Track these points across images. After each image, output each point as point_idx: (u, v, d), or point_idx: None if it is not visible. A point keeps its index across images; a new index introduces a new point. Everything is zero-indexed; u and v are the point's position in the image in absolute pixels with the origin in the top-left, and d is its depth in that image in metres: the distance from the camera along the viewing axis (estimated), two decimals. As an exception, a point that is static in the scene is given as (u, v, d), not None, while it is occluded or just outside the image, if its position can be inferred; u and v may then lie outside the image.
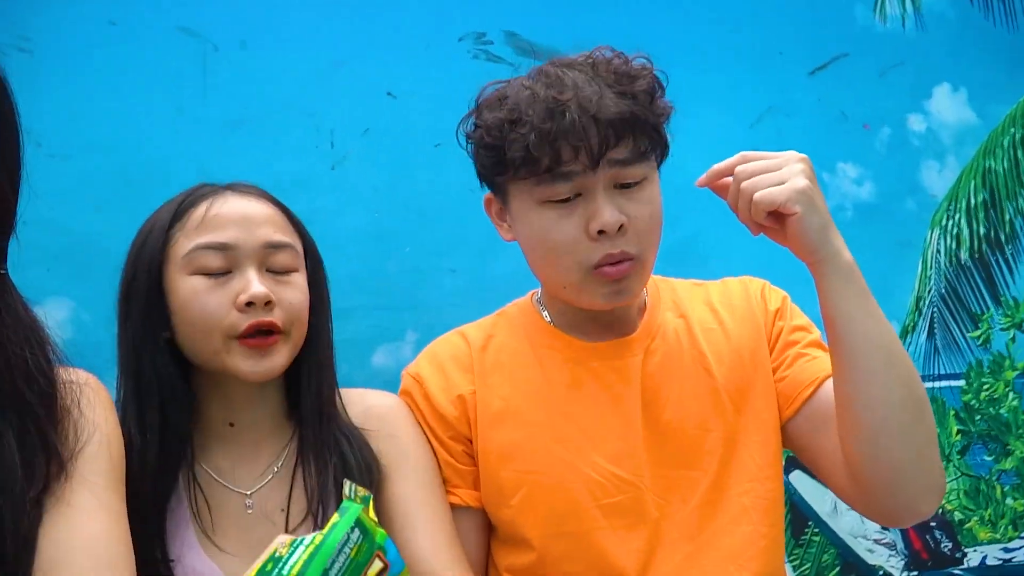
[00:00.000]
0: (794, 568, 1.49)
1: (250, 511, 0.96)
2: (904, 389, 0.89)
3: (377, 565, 0.72)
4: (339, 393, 1.05)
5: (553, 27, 1.50)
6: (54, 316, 1.11)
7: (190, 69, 1.36)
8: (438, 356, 1.08)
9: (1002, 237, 1.69)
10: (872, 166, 1.64)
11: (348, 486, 0.75)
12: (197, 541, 0.94)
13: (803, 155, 0.94)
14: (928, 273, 1.64)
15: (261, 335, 0.94)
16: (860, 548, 1.52)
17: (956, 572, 1.56)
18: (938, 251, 1.66)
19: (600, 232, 0.96)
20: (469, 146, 1.06)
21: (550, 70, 0.98)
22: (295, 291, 0.98)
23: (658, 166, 1.03)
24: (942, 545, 1.55)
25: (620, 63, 0.99)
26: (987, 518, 1.58)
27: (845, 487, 0.96)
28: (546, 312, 1.09)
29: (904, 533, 1.54)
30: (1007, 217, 1.70)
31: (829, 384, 0.99)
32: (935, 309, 1.63)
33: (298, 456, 0.99)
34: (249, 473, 0.99)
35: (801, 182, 0.91)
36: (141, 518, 0.89)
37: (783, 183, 0.91)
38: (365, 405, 1.04)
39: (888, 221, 1.63)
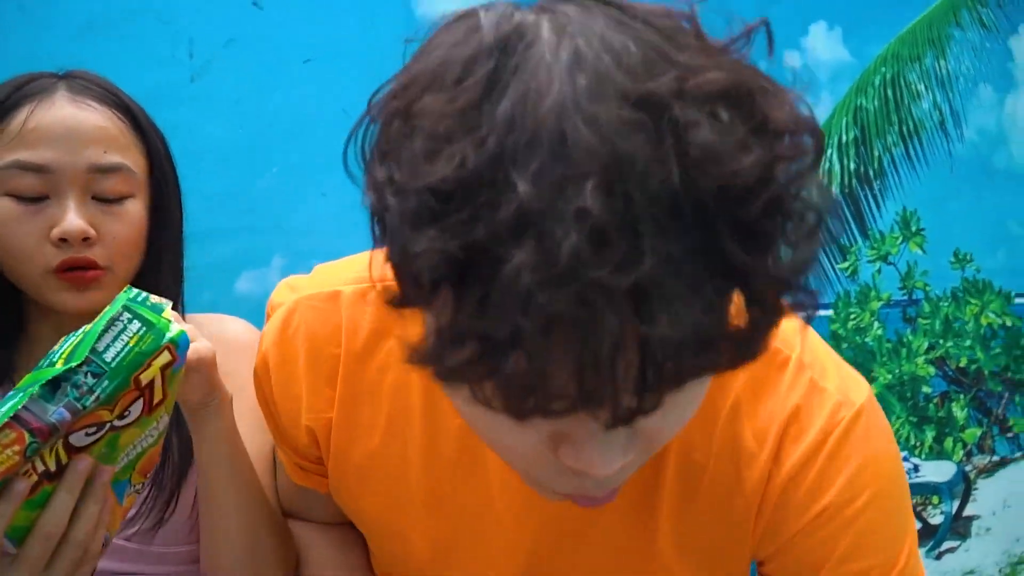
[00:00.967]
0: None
1: None
2: None
3: (165, 357, 0.66)
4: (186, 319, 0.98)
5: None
6: None
7: (31, -34, 1.26)
8: (295, 342, 0.71)
9: (871, 173, 1.74)
10: (749, 99, 1.66)
11: (131, 291, 0.69)
12: None
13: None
14: (801, 206, 1.68)
15: (80, 269, 0.86)
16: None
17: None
18: (811, 184, 1.69)
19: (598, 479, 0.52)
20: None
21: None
22: (123, 223, 0.88)
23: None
24: (807, 468, 1.61)
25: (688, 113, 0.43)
26: (850, 442, 1.65)
27: None
28: None
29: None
30: (876, 153, 1.75)
31: None
32: (806, 241, 1.68)
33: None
34: None
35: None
36: None
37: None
38: (218, 329, 0.96)
39: (764, 154, 1.66)
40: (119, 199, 0.88)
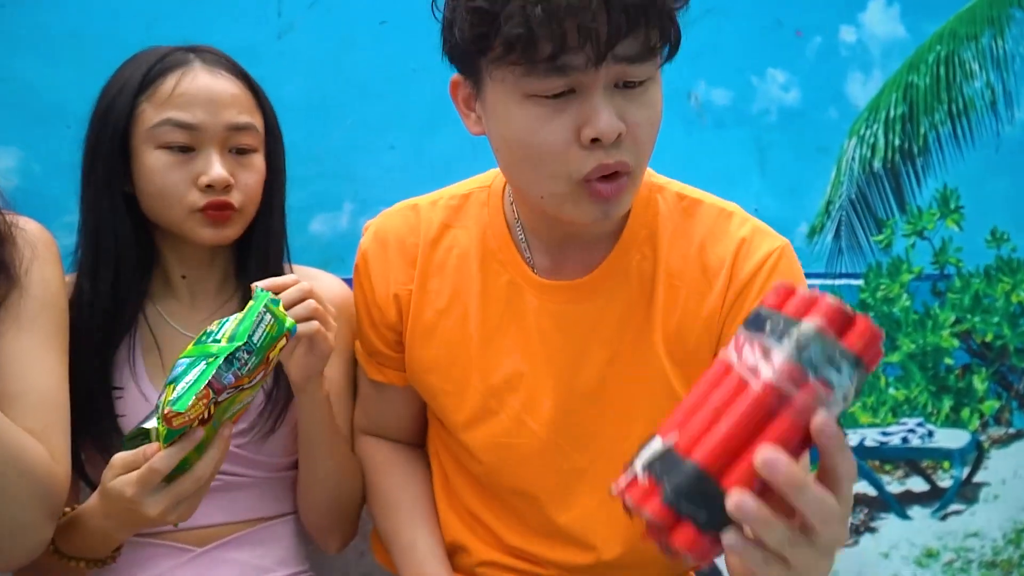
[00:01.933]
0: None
1: None
2: None
3: (283, 342, 0.90)
4: (290, 266, 1.16)
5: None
6: (1, 162, 1.17)
7: (140, -73, 1.38)
8: (387, 237, 1.03)
9: (915, 150, 1.80)
10: (800, 73, 1.72)
11: (257, 288, 0.93)
12: (146, 372, 1.05)
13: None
14: (841, 179, 1.75)
15: (218, 209, 1.05)
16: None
17: (835, 450, 1.72)
18: (853, 159, 1.76)
19: (594, 140, 0.83)
20: (449, 12, 0.87)
21: None
22: (252, 172, 1.08)
23: (663, 65, 0.88)
24: (825, 426, 1.71)
25: None
26: (869, 404, 1.75)
27: None
28: (516, 216, 0.99)
29: (791, 413, 1.70)
30: (922, 131, 1.80)
31: None
32: (843, 213, 1.75)
33: (239, 306, 1.10)
34: (195, 318, 1.10)
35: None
36: (90, 355, 0.99)
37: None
38: (317, 283, 1.10)
39: (809, 127, 1.73)
40: (248, 152, 1.07)
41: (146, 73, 1.04)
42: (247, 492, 1.09)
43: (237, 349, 0.84)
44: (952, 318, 1.79)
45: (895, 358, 1.77)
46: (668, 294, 0.95)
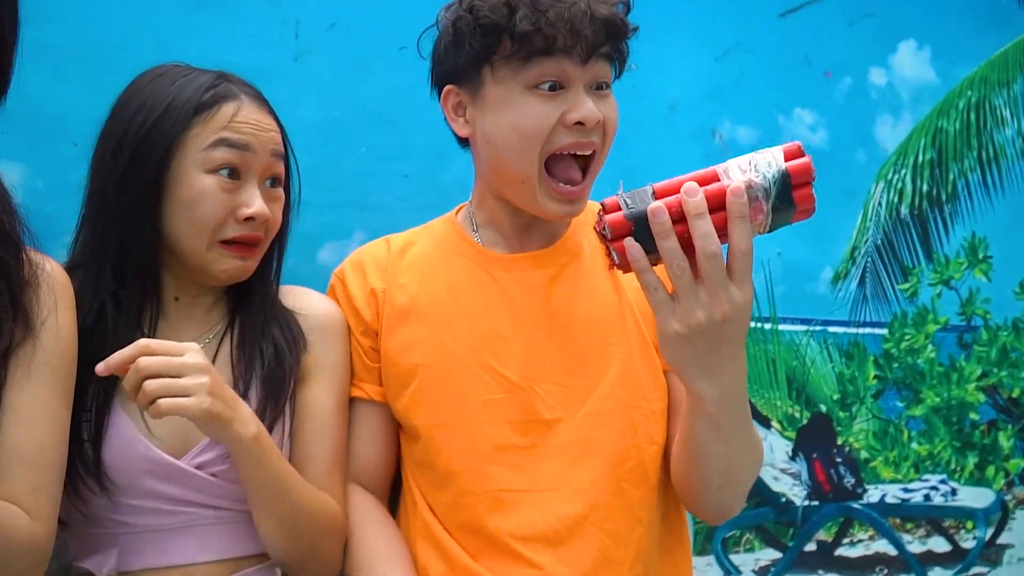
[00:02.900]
0: (704, 489, 1.58)
1: None
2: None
3: None
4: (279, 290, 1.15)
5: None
6: (5, 178, 1.13)
7: (157, -57, 1.35)
8: (360, 258, 1.18)
9: (943, 196, 1.75)
10: (828, 114, 1.68)
11: None
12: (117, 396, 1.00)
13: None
14: (867, 224, 1.70)
15: (245, 245, 1.05)
16: (767, 476, 1.61)
17: (855, 506, 1.66)
18: (880, 203, 1.71)
19: (577, 124, 1.02)
20: (449, 36, 1.08)
21: None
22: (279, 204, 1.10)
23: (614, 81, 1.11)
24: (845, 480, 1.65)
25: None
26: (891, 459, 1.68)
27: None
28: (472, 222, 1.15)
29: (810, 465, 1.64)
30: (951, 177, 1.75)
31: None
32: (869, 259, 1.70)
33: (227, 329, 1.09)
34: (185, 339, 1.03)
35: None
36: (84, 374, 0.94)
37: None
38: (306, 305, 1.14)
39: (837, 170, 1.68)
40: (278, 184, 1.09)
41: (201, 98, 1.03)
42: (224, 528, 1.02)
43: None
44: (978, 371, 1.73)
45: (918, 411, 1.71)
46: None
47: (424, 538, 1.08)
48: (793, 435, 1.63)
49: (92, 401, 0.99)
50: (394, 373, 1.10)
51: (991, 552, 1.72)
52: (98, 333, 1.00)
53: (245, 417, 0.95)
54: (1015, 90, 1.80)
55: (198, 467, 1.01)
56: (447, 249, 1.14)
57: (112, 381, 0.99)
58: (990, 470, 1.73)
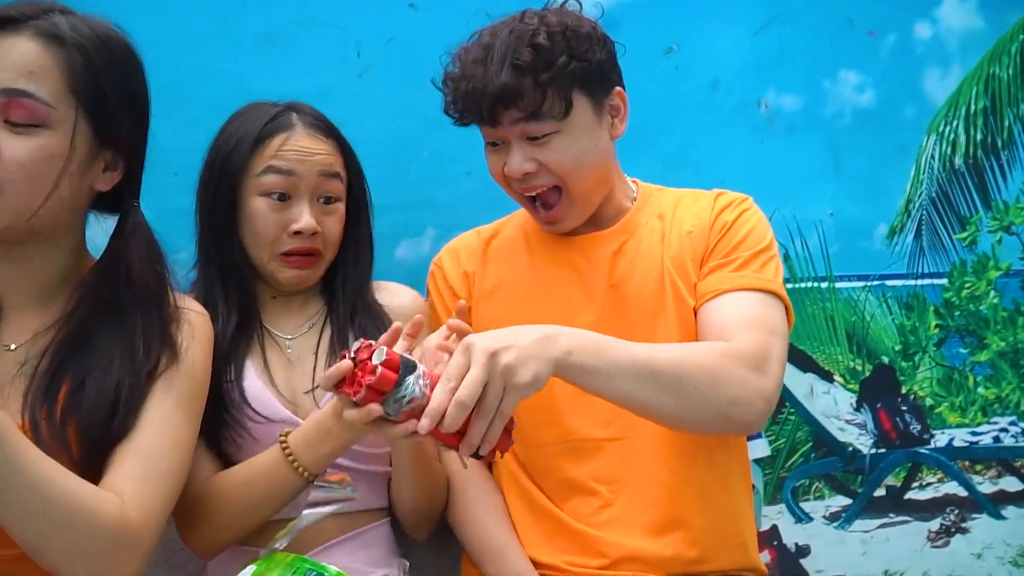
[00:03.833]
0: (771, 443, 1.66)
1: (290, 351, 1.25)
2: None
3: None
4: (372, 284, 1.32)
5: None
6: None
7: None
8: (455, 246, 1.36)
9: (999, 143, 1.77)
10: (874, 73, 1.72)
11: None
12: (253, 366, 1.21)
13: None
14: (921, 177, 1.74)
15: (301, 256, 1.22)
16: (832, 427, 1.68)
17: (922, 451, 1.71)
18: (932, 156, 1.74)
19: (516, 178, 1.19)
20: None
21: (476, 40, 1.20)
22: (335, 220, 1.24)
23: (566, 115, 1.17)
24: (911, 427, 1.71)
25: (525, 27, 1.15)
26: (957, 404, 1.73)
27: None
28: None
29: (875, 414, 1.70)
30: (1006, 123, 1.77)
31: (715, 302, 1.17)
32: (924, 212, 1.73)
33: (325, 319, 1.27)
34: (289, 324, 1.27)
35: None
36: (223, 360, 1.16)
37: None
38: (388, 299, 1.31)
39: (886, 128, 1.72)
40: (334, 201, 1.23)
41: (259, 132, 1.21)
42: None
43: None
44: (1044, 313, 1.75)
45: (984, 357, 1.74)
46: (676, 232, 1.25)
47: (510, 487, 1.24)
48: (856, 387, 1.70)
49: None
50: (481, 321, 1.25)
51: (1064, 486, 1.75)
52: (229, 328, 1.21)
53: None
54: (1070, 29, 1.79)
55: None
56: (528, 235, 1.30)
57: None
58: (1060, 410, 1.76)
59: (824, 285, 1.69)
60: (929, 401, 1.72)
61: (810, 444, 1.68)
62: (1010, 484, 1.74)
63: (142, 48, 1.44)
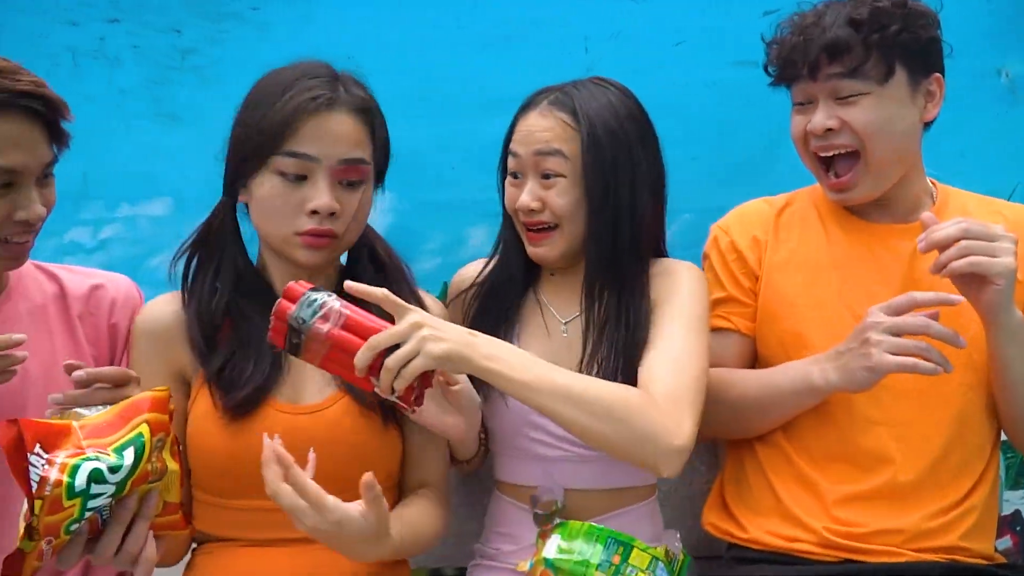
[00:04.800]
0: None
1: (564, 335, 1.24)
2: None
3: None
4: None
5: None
6: (380, 204, 1.44)
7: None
8: (744, 213, 1.36)
9: None
10: None
11: None
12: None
13: (1014, 235, 1.12)
14: None
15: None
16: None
17: None
18: None
19: (823, 131, 1.21)
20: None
21: (811, 8, 1.23)
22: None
23: (884, 81, 1.19)
24: None
25: None
26: None
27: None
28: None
29: None
30: None
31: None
32: None
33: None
34: (567, 306, 1.25)
35: (1011, 262, 1.10)
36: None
37: (996, 257, 1.10)
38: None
39: None
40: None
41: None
42: (599, 464, 1.18)
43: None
44: None
45: None
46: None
47: (787, 474, 1.24)
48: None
49: None
50: (770, 311, 1.28)
51: None
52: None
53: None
54: None
55: None
56: (822, 212, 1.30)
57: None
58: None
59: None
60: None
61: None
62: None
63: (388, 53, 1.62)
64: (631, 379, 1.14)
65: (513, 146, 1.21)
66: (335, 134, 1.12)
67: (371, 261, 1.22)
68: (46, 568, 0.94)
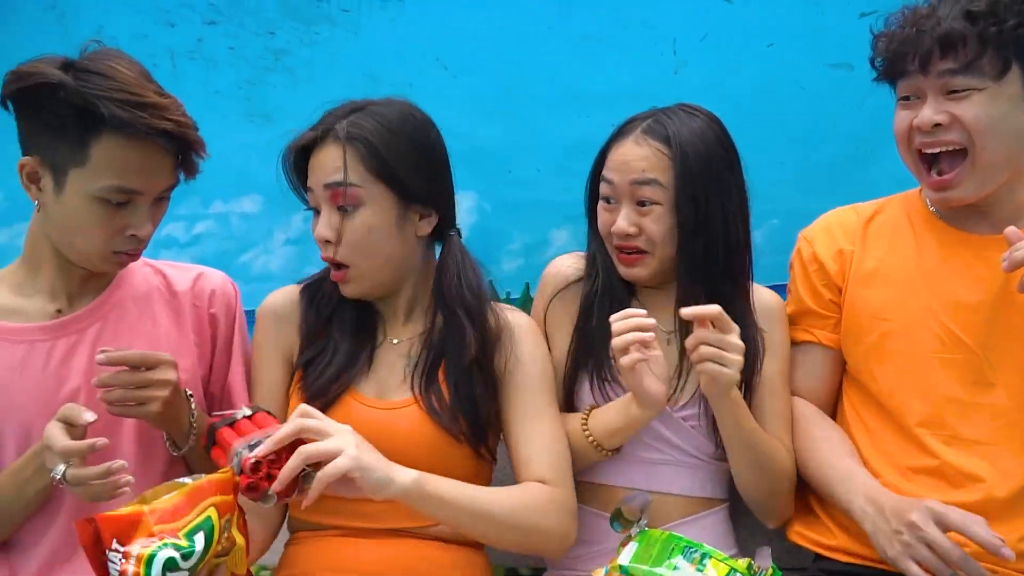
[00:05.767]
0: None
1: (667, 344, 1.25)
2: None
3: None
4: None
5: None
6: (463, 204, 1.46)
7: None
8: (829, 223, 1.31)
9: None
10: None
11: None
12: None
13: None
14: None
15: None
16: None
17: None
18: None
19: (931, 127, 1.15)
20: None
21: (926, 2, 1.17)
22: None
23: (999, 77, 1.13)
24: None
25: None
26: None
27: None
28: (928, 202, 1.25)
29: None
30: None
31: None
32: None
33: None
34: (664, 319, 1.25)
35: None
36: None
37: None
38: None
39: None
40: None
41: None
42: (689, 470, 1.24)
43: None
44: None
45: None
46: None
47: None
48: None
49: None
50: (855, 324, 1.23)
51: None
52: None
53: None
54: None
55: (683, 419, 1.25)
56: (913, 221, 1.25)
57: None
58: None
59: None
60: None
61: None
62: None
63: (476, 54, 1.64)
64: None
65: (607, 173, 1.21)
66: (319, 163, 1.16)
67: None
68: None
